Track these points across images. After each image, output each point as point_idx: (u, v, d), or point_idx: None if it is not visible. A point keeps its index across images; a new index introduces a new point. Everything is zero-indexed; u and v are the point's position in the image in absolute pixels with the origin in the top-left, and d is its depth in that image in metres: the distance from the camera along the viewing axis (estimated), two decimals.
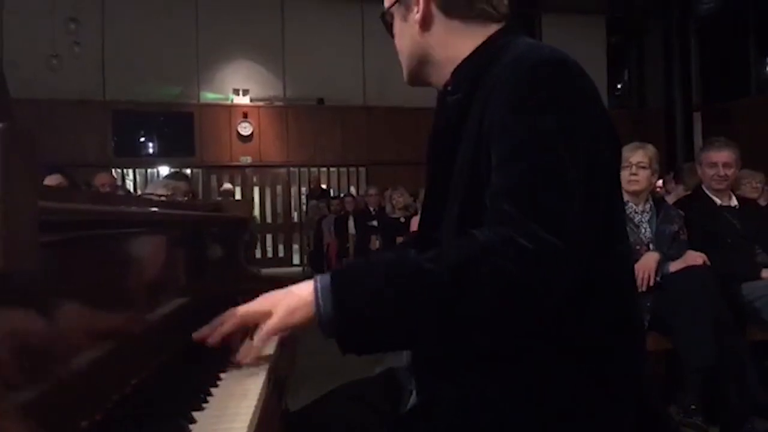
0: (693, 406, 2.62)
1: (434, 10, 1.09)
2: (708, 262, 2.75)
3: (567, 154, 0.90)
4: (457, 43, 1.09)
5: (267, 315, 0.96)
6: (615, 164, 1.05)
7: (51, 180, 3.47)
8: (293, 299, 0.94)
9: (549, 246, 0.86)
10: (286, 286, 1.04)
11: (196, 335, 1.00)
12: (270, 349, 1.10)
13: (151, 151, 12.01)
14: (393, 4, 1.14)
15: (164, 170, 11.37)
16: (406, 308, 0.88)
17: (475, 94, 1.03)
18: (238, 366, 1.01)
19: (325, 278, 0.92)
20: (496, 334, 0.92)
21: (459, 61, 1.09)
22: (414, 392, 1.12)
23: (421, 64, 1.14)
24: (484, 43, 1.08)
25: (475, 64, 1.06)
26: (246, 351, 1.01)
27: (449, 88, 1.11)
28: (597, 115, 0.97)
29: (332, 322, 0.90)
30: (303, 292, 0.94)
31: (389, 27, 1.17)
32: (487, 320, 0.89)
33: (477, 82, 1.04)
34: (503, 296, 0.87)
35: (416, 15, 1.10)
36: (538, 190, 0.89)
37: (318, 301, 0.91)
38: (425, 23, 1.10)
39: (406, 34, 1.14)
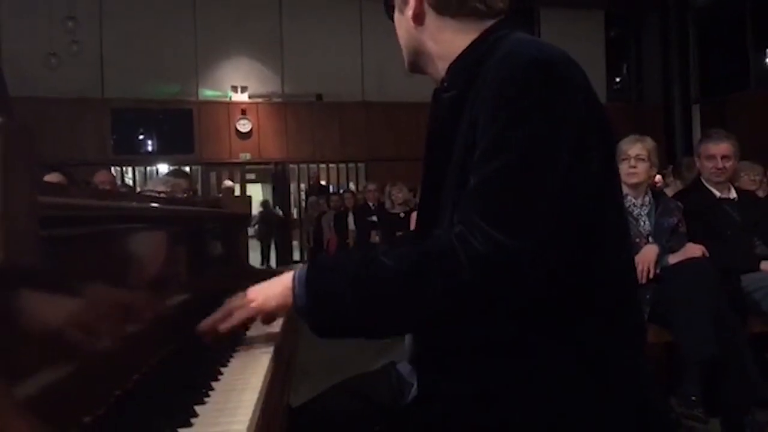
0: (693, 398, 2.62)
1: (426, 7, 1.10)
2: (707, 255, 2.75)
3: (540, 158, 0.91)
4: (449, 39, 1.09)
5: (250, 302, 1.06)
6: (607, 161, 1.04)
7: (50, 178, 3.45)
8: (272, 289, 1.05)
9: (503, 250, 0.87)
10: None
11: (199, 327, 1.08)
12: (270, 345, 1.11)
13: (150, 148, 11.99)
14: None
15: (163, 168, 11.36)
16: (365, 300, 0.95)
17: (469, 91, 1.03)
18: (240, 357, 1.04)
19: (303, 269, 1.01)
20: (446, 329, 0.98)
21: (453, 56, 1.09)
22: (415, 385, 1.12)
23: (417, 56, 1.15)
24: (477, 39, 1.07)
25: (469, 61, 1.06)
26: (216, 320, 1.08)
27: (445, 84, 1.11)
28: (584, 116, 0.95)
29: (305, 307, 0.99)
30: (283, 281, 1.04)
31: (390, 11, 1.18)
32: (434, 316, 0.93)
33: (470, 79, 1.03)
34: (451, 296, 0.90)
35: (410, 11, 1.10)
36: (502, 194, 0.90)
37: (295, 289, 1.00)
38: (418, 19, 1.11)
39: (402, 26, 1.15)
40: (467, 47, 1.08)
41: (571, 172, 0.91)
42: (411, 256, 0.94)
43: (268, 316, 1.09)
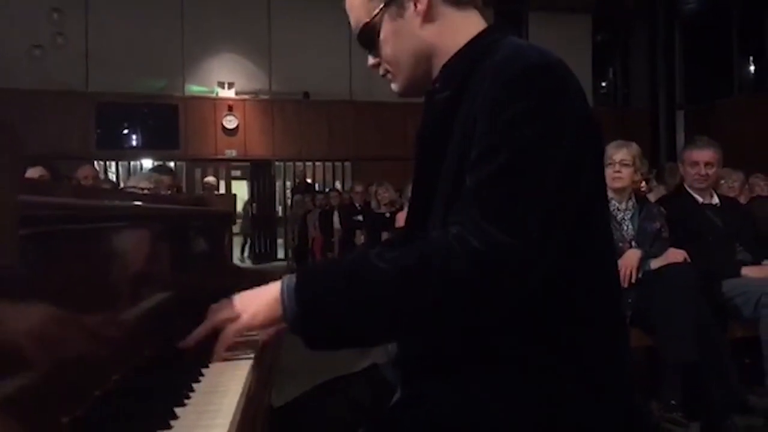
0: (673, 402, 2.65)
1: (435, 1, 1.07)
2: (689, 260, 2.78)
3: (542, 160, 0.91)
4: (459, 28, 1.08)
5: (236, 318, 1.00)
6: (598, 166, 1.06)
7: (33, 172, 3.42)
8: (259, 301, 0.99)
9: (501, 248, 0.87)
10: (269, 281, 1.06)
11: (181, 344, 1.02)
12: (253, 346, 1.10)
13: (134, 143, 11.91)
14: (377, 14, 1.09)
15: (148, 163, 11.28)
16: (359, 304, 0.92)
17: (463, 93, 1.03)
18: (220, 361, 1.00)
19: (291, 278, 0.97)
20: (447, 332, 0.96)
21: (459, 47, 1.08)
22: (399, 388, 1.12)
23: (427, 60, 1.10)
24: (471, 41, 1.07)
25: (463, 63, 1.06)
26: (215, 352, 1.01)
27: (437, 85, 1.11)
28: (579, 120, 0.96)
29: (297, 318, 0.94)
30: (270, 292, 0.98)
31: (373, 39, 1.11)
32: (435, 318, 0.91)
33: (464, 81, 1.03)
34: (450, 295, 0.89)
35: (419, 7, 1.07)
36: (501, 193, 0.90)
37: (284, 299, 0.95)
38: (428, 16, 1.07)
39: (403, 34, 1.09)
40: (460, 50, 1.07)
41: (566, 175, 0.92)
42: (407, 256, 0.92)
43: (256, 330, 1.04)
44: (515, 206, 0.90)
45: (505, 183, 0.90)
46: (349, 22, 1.15)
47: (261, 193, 12.59)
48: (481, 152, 0.93)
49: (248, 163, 12.46)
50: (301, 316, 0.94)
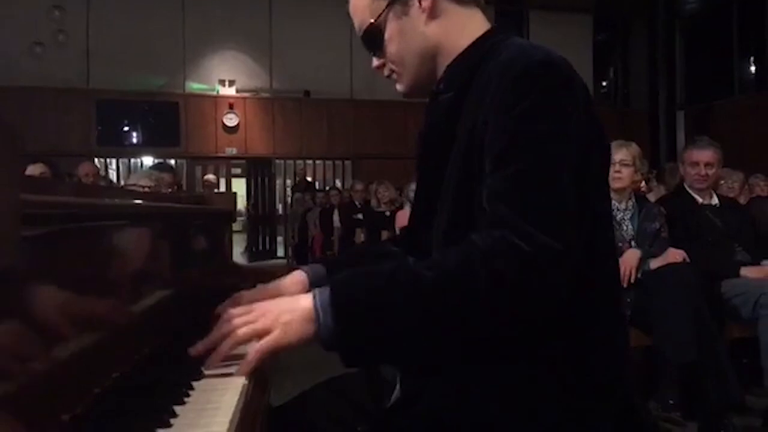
0: (671, 402, 2.65)
1: None
2: (688, 260, 2.78)
3: (559, 156, 0.91)
4: (463, 27, 1.09)
5: (265, 333, 0.91)
6: (603, 164, 1.06)
7: (34, 169, 3.43)
8: (289, 315, 0.91)
9: (546, 248, 0.87)
10: (269, 279, 1.04)
11: (193, 351, 0.95)
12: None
13: (135, 140, 11.88)
14: (381, 13, 1.09)
15: (148, 160, 11.28)
16: (407, 316, 0.88)
17: (467, 94, 1.03)
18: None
19: (324, 292, 0.91)
20: (499, 337, 0.92)
21: (457, 52, 1.08)
22: (398, 386, 1.12)
23: (432, 59, 1.11)
24: (475, 42, 1.08)
25: (467, 64, 1.06)
26: (242, 366, 0.92)
27: (441, 86, 1.11)
28: (587, 117, 0.97)
29: (334, 335, 0.88)
30: (299, 306, 0.92)
31: (378, 40, 1.12)
32: (489, 324, 0.89)
33: (469, 81, 1.04)
34: (503, 299, 0.87)
35: (424, 4, 1.07)
36: (533, 192, 0.90)
37: (318, 315, 0.89)
38: (433, 11, 1.08)
39: (409, 32, 1.09)
40: (464, 50, 1.08)
41: (576, 170, 0.93)
42: (450, 260, 0.90)
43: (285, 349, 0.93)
44: (549, 205, 0.89)
45: (534, 182, 0.90)
46: (350, 21, 1.15)
47: (261, 191, 12.57)
48: (501, 153, 0.93)
49: (248, 161, 12.45)
50: (340, 333, 0.88)
